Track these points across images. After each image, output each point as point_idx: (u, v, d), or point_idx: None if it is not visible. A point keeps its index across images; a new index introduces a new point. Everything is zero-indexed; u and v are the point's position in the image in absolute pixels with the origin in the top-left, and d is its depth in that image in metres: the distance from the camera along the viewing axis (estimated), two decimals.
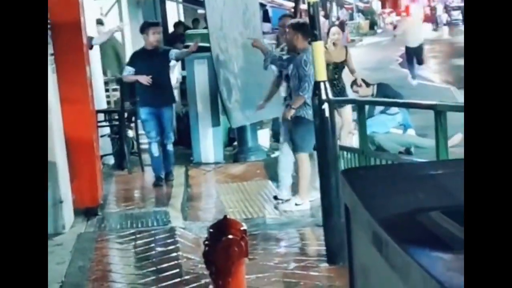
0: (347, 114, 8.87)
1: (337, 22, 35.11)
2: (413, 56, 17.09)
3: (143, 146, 8.87)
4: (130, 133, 9.08)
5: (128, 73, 7.88)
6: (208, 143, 9.23)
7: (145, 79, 7.67)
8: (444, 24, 44.57)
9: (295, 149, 6.84)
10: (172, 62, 8.30)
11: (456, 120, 7.17)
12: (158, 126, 7.97)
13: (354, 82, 9.63)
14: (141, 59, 7.89)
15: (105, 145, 8.55)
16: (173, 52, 8.07)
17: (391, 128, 9.56)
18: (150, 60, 7.83)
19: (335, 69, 8.97)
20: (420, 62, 17.49)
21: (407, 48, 17.38)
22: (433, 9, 48.34)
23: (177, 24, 15.77)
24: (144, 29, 7.96)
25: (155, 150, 8.04)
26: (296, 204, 6.78)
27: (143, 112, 7.97)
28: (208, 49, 8.73)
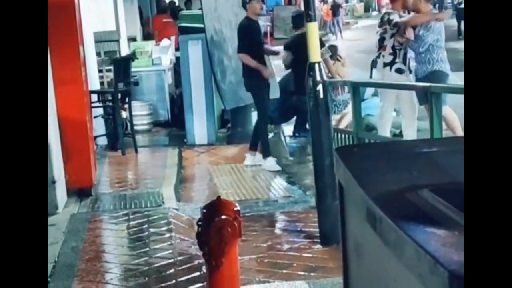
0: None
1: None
2: None
3: (137, 128, 8.80)
4: (124, 114, 9.04)
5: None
6: (202, 124, 9.21)
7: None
8: (441, 7, 44.48)
9: None
10: (167, 42, 8.20)
11: (450, 103, 7.18)
12: None
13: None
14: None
15: (98, 126, 8.52)
16: None
17: None
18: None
19: None
20: None
21: None
22: None
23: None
24: None
25: None
26: None
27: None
28: (202, 30, 8.68)
